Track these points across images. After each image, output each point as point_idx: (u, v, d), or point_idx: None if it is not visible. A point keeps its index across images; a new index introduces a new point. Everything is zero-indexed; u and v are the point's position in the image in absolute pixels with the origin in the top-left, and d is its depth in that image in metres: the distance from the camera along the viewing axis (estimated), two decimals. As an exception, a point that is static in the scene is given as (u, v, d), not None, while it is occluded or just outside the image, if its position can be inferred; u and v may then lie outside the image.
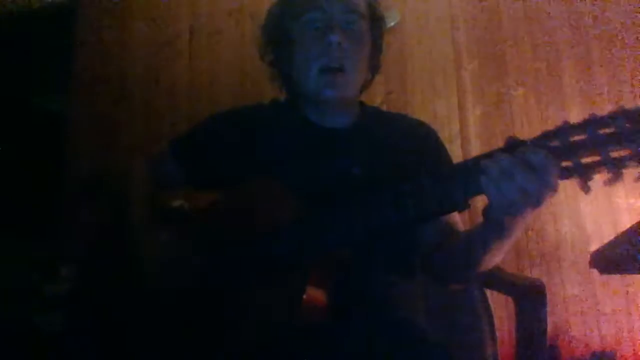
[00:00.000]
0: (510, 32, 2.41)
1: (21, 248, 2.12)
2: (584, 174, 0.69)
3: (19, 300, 1.82)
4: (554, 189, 0.71)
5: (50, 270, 1.83)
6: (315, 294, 0.82)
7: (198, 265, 0.94)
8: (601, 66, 2.30)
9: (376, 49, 1.14)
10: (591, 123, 0.69)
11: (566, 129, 0.70)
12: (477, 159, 0.76)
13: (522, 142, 0.74)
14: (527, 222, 0.84)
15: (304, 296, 0.80)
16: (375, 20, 1.13)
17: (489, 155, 0.75)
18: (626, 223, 1.96)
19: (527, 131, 2.23)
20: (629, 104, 0.70)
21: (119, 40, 2.67)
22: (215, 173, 1.11)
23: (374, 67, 1.16)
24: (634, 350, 2.00)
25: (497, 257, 0.92)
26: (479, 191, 0.75)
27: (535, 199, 0.72)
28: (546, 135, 0.72)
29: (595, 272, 1.53)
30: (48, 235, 2.27)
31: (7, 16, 2.78)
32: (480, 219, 0.87)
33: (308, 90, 1.08)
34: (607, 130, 0.68)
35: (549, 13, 2.40)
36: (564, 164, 0.70)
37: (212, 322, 0.87)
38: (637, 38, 2.31)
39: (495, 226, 0.84)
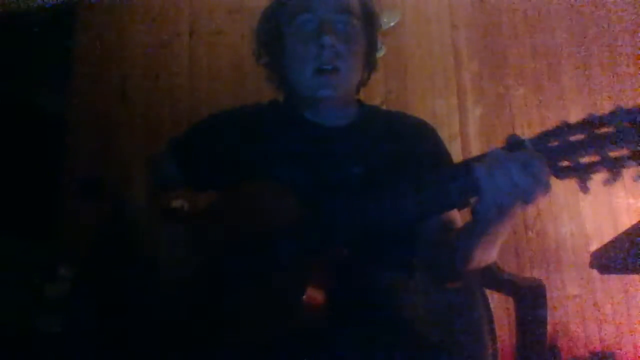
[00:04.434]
0: (510, 32, 2.41)
1: (21, 248, 2.12)
2: (582, 174, 0.69)
3: (19, 301, 1.82)
4: (546, 189, 0.71)
5: (50, 271, 1.83)
6: (315, 294, 0.82)
7: (198, 265, 0.94)
8: (601, 66, 2.30)
9: (371, 46, 1.14)
10: (590, 123, 0.69)
11: (565, 128, 0.71)
12: (476, 157, 0.77)
13: (522, 141, 0.74)
14: (513, 221, 0.83)
15: (304, 296, 0.80)
16: (369, 18, 1.12)
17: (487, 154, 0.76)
18: (626, 223, 1.95)
19: (527, 131, 2.23)
20: (629, 104, 0.70)
21: (119, 40, 2.67)
22: (214, 173, 1.11)
23: (370, 65, 1.16)
24: (634, 350, 2.00)
25: (486, 255, 0.91)
26: (475, 188, 0.75)
27: (526, 195, 0.72)
28: (545, 135, 0.72)
29: (595, 272, 1.53)
30: (48, 235, 2.27)
31: (7, 16, 2.78)
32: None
33: (303, 90, 1.08)
34: (606, 130, 0.68)
35: (549, 13, 2.40)
36: (563, 163, 0.71)
37: (211, 323, 0.87)
38: (637, 38, 2.31)
39: (482, 222, 0.83)
